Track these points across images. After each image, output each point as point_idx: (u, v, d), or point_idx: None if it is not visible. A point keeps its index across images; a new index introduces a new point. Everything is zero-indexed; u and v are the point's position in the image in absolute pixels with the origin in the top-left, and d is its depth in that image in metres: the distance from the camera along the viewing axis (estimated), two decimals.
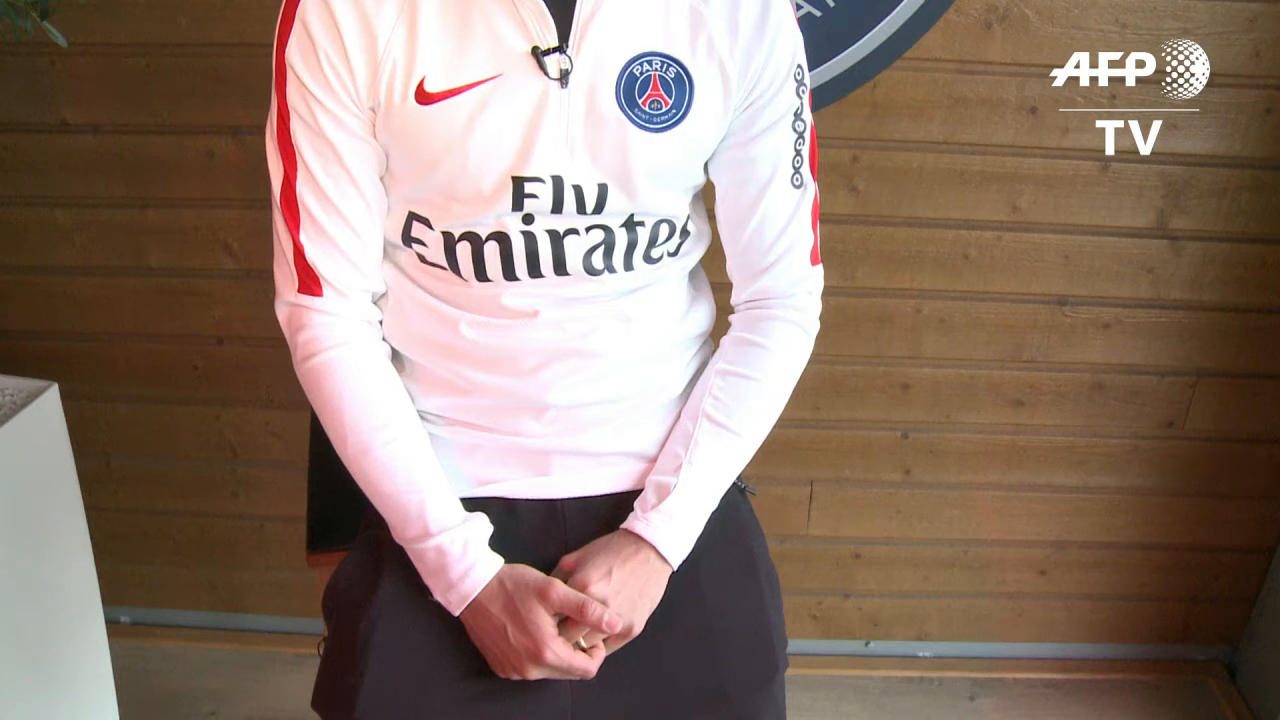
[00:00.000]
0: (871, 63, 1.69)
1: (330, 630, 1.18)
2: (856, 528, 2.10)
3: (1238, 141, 1.78)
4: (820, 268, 1.22)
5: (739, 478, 1.24)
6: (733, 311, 1.24)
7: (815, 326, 1.23)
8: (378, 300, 1.16)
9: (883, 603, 2.18)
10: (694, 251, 1.20)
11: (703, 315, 1.25)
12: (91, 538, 1.71)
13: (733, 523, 1.23)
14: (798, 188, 1.15)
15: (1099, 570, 2.14)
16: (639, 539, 1.12)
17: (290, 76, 1.04)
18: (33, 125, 1.81)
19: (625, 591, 1.09)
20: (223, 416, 2.02)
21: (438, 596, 1.10)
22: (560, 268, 1.09)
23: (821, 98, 1.71)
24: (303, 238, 1.08)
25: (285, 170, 1.07)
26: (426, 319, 1.14)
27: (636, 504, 1.15)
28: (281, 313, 1.13)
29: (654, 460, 1.19)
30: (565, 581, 1.10)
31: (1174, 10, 1.68)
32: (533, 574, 1.09)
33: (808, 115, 1.14)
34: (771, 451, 1.98)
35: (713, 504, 1.16)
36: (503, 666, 1.09)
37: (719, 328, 1.26)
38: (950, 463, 2.04)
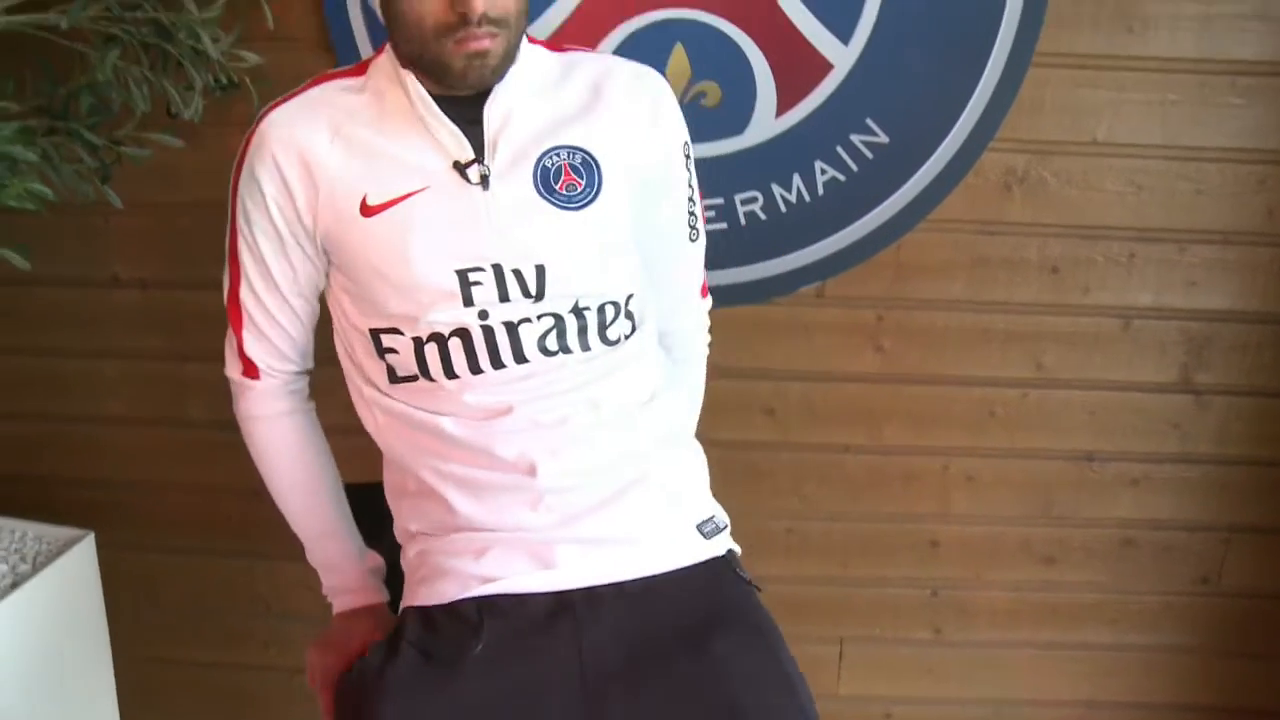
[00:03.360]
0: (895, 225, 1.74)
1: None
2: (888, 687, 2.07)
3: (1256, 298, 1.81)
4: (709, 298, 1.45)
5: (746, 575, 1.28)
6: None
7: (707, 345, 1.47)
8: (305, 370, 1.35)
9: None
10: (647, 324, 1.31)
11: (671, 394, 1.34)
12: (118, 687, 1.70)
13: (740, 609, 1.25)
14: (694, 241, 1.36)
15: None
16: None
17: (240, 206, 1.22)
18: (84, 280, 1.88)
19: None
20: (255, 568, 2.03)
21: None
22: (520, 356, 1.19)
23: (846, 260, 1.76)
24: (245, 334, 1.29)
25: (232, 278, 1.27)
26: (416, 441, 1.24)
27: None
28: (230, 384, 1.35)
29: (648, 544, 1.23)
30: None
31: (1187, 173, 1.74)
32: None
33: (694, 181, 1.32)
34: (800, 610, 1.98)
35: None
36: None
37: None
38: (981, 621, 2.01)
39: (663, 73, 1.59)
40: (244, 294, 1.27)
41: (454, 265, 1.17)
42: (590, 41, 1.62)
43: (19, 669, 1.57)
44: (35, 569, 1.64)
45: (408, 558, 1.30)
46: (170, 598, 2.07)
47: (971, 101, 1.67)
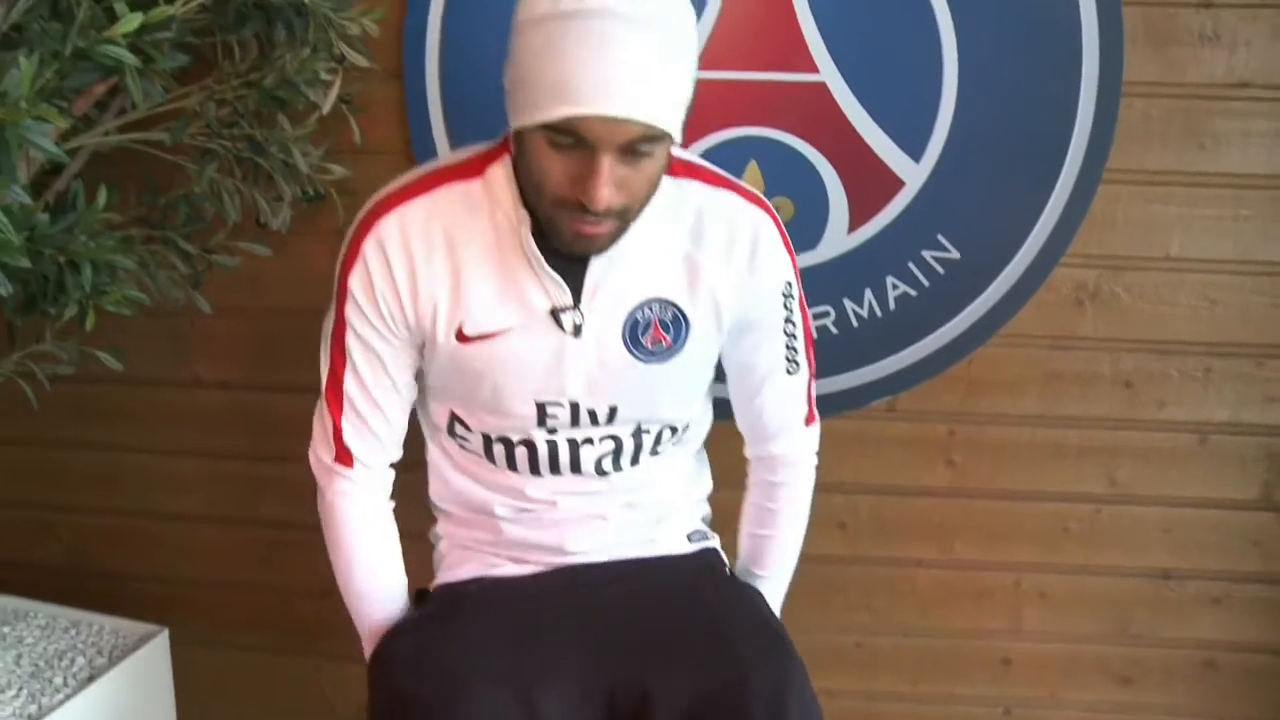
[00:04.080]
0: (967, 340, 1.74)
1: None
2: None
3: None
4: (815, 424, 1.42)
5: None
6: (743, 444, 1.46)
7: (812, 468, 1.44)
8: (396, 461, 1.36)
9: None
10: (696, 438, 1.43)
11: (703, 484, 1.48)
12: None
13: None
14: (793, 374, 1.35)
15: None
16: None
17: (350, 298, 1.23)
18: (167, 380, 1.93)
19: None
20: (323, 669, 2.03)
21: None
22: (576, 468, 1.31)
23: (918, 374, 1.76)
24: (344, 422, 1.29)
25: (335, 366, 1.28)
26: (466, 492, 1.37)
27: None
28: (314, 463, 1.35)
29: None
30: None
31: (1262, 287, 1.73)
32: None
33: (798, 316, 1.32)
34: None
35: None
36: None
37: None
38: None
39: None
40: (348, 381, 1.27)
41: (535, 398, 1.25)
42: None
43: None
44: (111, 663, 1.67)
45: (440, 549, 1.44)
46: (239, 695, 2.07)
47: (1043, 217, 1.68)
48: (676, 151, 1.21)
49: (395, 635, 1.29)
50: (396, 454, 1.35)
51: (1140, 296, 1.74)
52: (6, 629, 1.76)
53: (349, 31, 1.47)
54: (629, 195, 1.08)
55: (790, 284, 1.29)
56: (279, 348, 1.88)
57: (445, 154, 1.71)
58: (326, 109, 1.53)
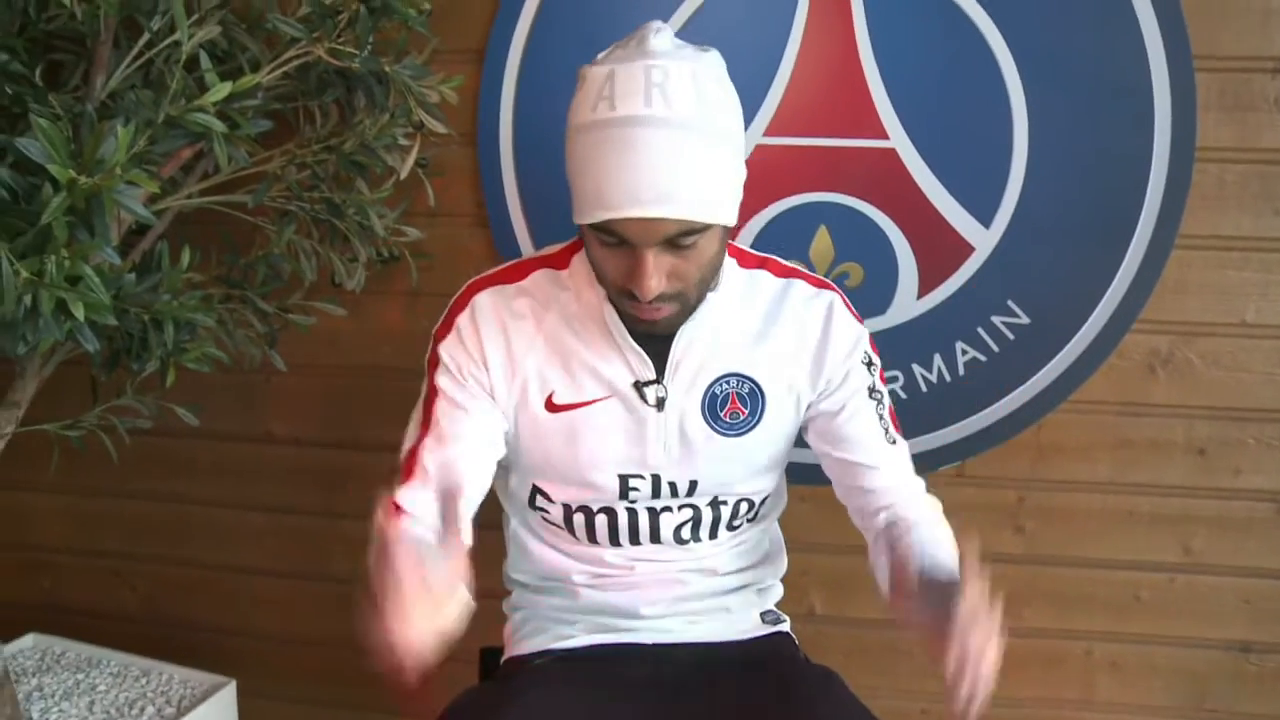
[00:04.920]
0: (1036, 406, 1.72)
1: None
2: None
3: None
4: (920, 478, 1.36)
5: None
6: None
7: (936, 509, 1.34)
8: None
9: None
10: (772, 514, 1.45)
11: (779, 564, 1.48)
12: None
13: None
14: (893, 444, 1.32)
15: None
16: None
17: (441, 366, 1.26)
18: (241, 436, 1.98)
19: None
20: None
21: None
22: (655, 537, 1.34)
23: (986, 440, 1.75)
24: (410, 482, 1.19)
25: (419, 436, 1.23)
26: (545, 561, 1.39)
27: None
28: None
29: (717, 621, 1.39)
30: None
31: None
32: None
33: (881, 385, 1.32)
34: None
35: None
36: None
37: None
38: None
39: (806, 253, 1.68)
40: (425, 450, 1.22)
41: (618, 470, 1.29)
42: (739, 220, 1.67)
43: None
44: (180, 712, 1.70)
45: (513, 622, 1.44)
46: None
47: (1114, 283, 1.66)
48: (745, 247, 1.32)
49: (459, 707, 1.28)
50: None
51: (1215, 363, 1.72)
52: (80, 676, 1.80)
53: (428, 99, 1.51)
54: (682, 281, 1.13)
55: (867, 352, 1.31)
56: (352, 405, 1.91)
57: (517, 217, 1.74)
58: (404, 174, 1.56)
